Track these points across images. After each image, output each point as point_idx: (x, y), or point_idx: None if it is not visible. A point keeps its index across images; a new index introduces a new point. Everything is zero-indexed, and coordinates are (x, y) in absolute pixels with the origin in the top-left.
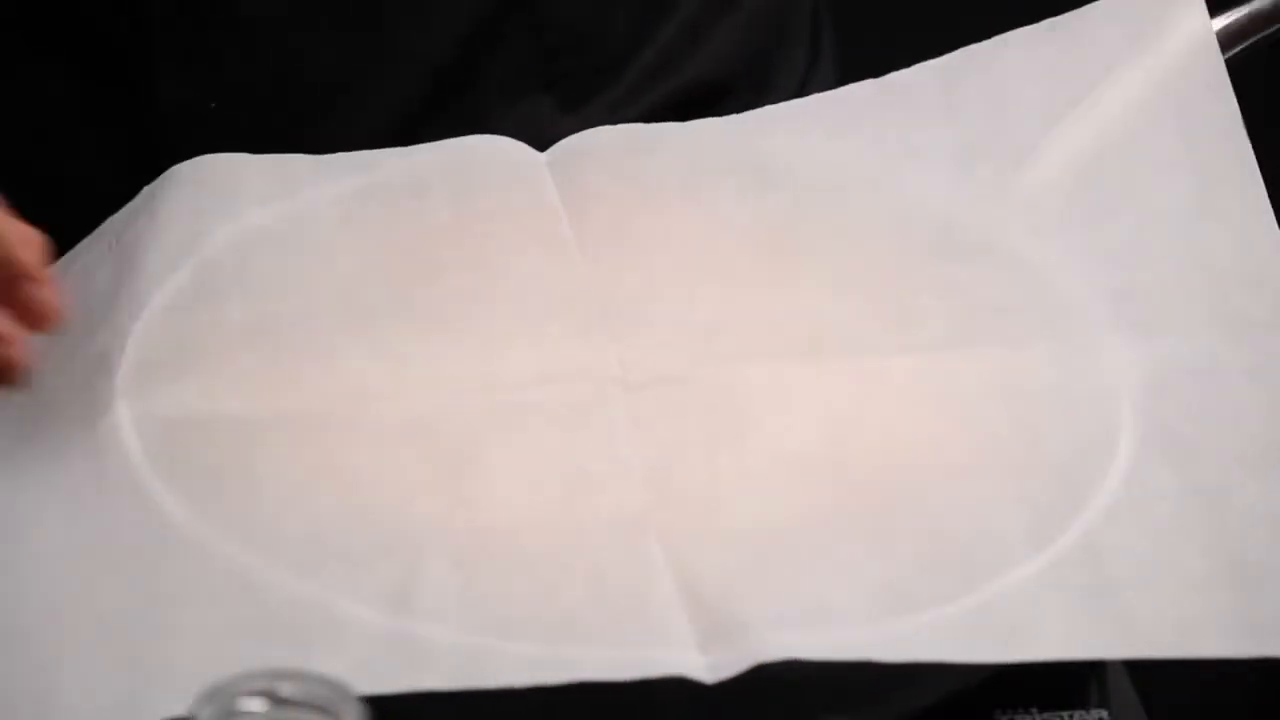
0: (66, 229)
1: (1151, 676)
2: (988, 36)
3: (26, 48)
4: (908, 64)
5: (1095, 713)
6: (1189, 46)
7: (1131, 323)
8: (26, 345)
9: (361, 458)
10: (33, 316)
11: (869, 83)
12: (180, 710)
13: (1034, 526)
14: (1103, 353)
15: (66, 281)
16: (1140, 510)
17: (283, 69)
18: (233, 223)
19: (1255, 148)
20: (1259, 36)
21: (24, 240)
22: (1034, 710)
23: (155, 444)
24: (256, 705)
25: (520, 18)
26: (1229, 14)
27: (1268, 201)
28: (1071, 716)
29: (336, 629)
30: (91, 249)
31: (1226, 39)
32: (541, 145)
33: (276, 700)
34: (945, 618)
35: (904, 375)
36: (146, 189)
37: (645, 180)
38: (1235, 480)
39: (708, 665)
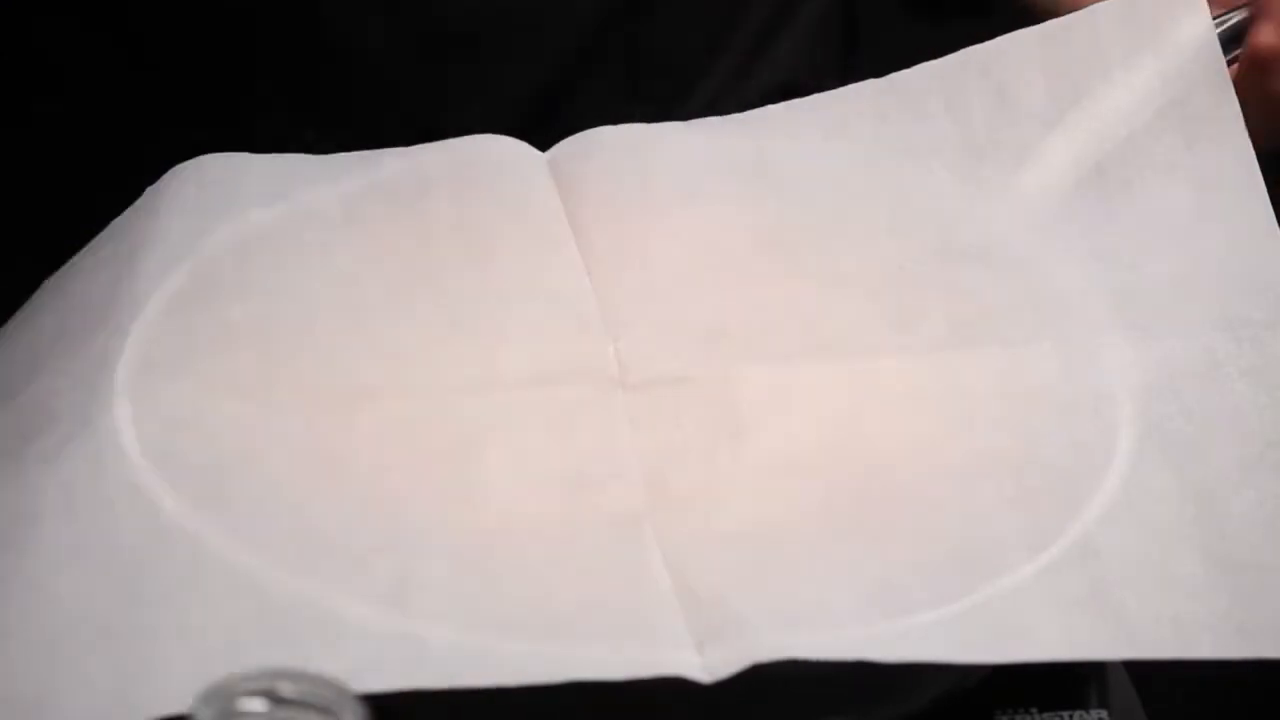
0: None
1: (1151, 676)
2: (990, 37)
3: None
4: (910, 64)
5: (1095, 713)
6: (1190, 47)
7: (1131, 323)
8: None
9: (359, 456)
10: None
11: (871, 82)
12: (176, 710)
13: (1032, 528)
14: (1102, 353)
15: (70, 282)
16: (1138, 511)
17: (379, 100)
18: (234, 222)
19: (1256, 148)
20: None
21: None
22: (1034, 711)
23: (154, 442)
24: (256, 705)
25: (616, 40)
26: (1230, 15)
27: (1268, 202)
28: (1071, 717)
29: (333, 628)
30: (96, 249)
31: (1228, 39)
32: None
33: (276, 700)
34: (942, 618)
35: (903, 375)
36: (150, 189)
37: (646, 179)
38: (1233, 481)
39: (704, 666)
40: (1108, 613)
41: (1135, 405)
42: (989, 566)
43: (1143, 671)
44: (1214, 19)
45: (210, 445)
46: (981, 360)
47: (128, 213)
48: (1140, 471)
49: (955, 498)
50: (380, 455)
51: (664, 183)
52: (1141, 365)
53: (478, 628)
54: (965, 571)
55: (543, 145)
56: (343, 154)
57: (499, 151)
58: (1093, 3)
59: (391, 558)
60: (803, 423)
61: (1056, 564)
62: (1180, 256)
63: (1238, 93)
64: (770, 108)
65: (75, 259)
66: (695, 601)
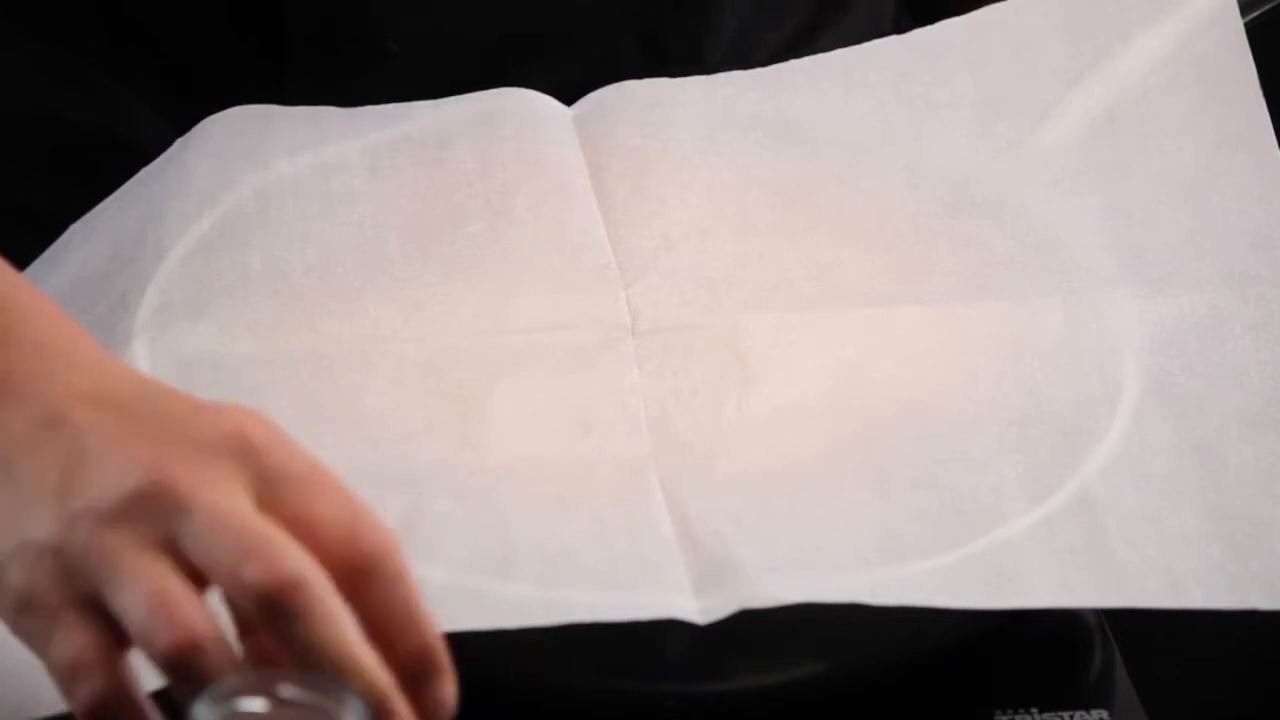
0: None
1: (1151, 676)
2: None
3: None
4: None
5: (1095, 713)
6: (1209, 9)
7: (1140, 279)
8: None
9: (370, 397)
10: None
11: (892, 39)
12: None
13: (1032, 479)
14: (1109, 308)
15: (97, 227)
16: (1137, 464)
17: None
18: (259, 172)
19: (1271, 111)
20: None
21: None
22: (1034, 711)
23: (169, 380)
24: (256, 705)
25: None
26: None
27: None
28: (1072, 717)
29: None
30: (124, 196)
31: (1246, 2)
32: None
33: (277, 700)
34: (938, 566)
35: (911, 326)
36: (180, 139)
37: (667, 133)
38: (1232, 436)
39: (700, 609)
40: (1102, 563)
41: (1139, 359)
42: (987, 516)
43: (1143, 671)
44: None
45: (223, 384)
46: (989, 312)
47: (157, 162)
48: (1141, 425)
49: (957, 448)
50: (390, 397)
51: (684, 135)
52: (1147, 320)
53: (476, 568)
54: (964, 520)
55: (568, 101)
56: (369, 107)
57: (525, 105)
58: None
59: (396, 495)
60: (810, 371)
61: (1054, 515)
62: (1192, 215)
63: None
64: (792, 62)
65: (103, 204)
66: (695, 545)
